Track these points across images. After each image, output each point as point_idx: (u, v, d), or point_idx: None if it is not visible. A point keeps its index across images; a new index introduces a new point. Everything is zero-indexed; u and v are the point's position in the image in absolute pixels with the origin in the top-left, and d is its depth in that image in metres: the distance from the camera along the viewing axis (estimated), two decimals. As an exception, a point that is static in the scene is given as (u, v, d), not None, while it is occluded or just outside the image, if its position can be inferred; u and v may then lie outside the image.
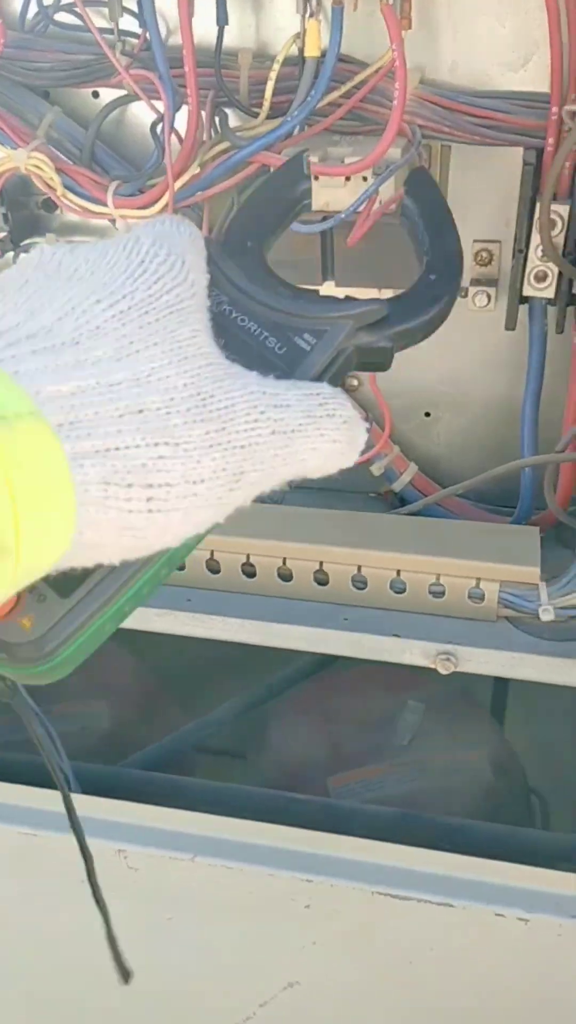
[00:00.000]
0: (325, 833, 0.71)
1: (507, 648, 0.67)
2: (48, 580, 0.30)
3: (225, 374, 0.32)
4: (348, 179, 0.63)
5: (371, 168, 0.56)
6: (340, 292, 0.56)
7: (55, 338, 0.29)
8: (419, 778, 1.07)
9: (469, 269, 0.74)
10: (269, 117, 0.66)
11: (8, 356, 0.28)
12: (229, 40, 0.69)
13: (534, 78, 0.66)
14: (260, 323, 0.38)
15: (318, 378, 0.37)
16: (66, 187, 0.69)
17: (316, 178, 0.60)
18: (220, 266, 0.39)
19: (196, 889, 0.74)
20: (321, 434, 0.33)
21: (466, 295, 0.74)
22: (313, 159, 0.59)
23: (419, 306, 0.40)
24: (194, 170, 0.67)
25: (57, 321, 0.30)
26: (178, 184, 0.65)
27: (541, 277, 0.66)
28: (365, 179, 0.63)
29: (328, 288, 0.71)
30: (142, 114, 0.73)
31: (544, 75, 0.64)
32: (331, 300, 0.39)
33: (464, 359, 0.78)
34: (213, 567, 0.75)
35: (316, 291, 0.43)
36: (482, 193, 0.71)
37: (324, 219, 0.64)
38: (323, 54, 0.62)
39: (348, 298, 0.39)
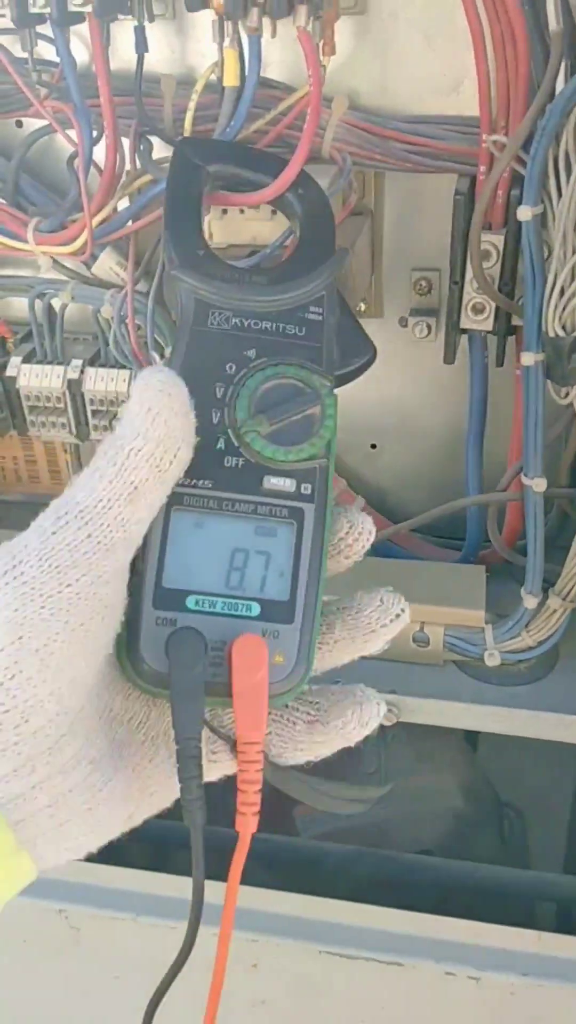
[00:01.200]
0: (271, 890, 0.68)
1: (451, 697, 0.64)
2: (270, 619, 0.37)
3: None
4: (275, 212, 0.61)
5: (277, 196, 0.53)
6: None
7: None
8: (388, 805, 1.05)
9: (408, 299, 0.71)
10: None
11: None
12: (156, 67, 0.67)
13: (467, 102, 0.63)
14: (270, 319, 0.41)
15: (340, 330, 0.42)
16: (-15, 223, 0.66)
17: (224, 212, 0.57)
18: (204, 288, 0.41)
19: (140, 948, 0.71)
20: None
21: (406, 325, 0.71)
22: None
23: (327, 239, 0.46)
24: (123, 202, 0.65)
25: None
26: (98, 219, 0.62)
27: (479, 309, 0.63)
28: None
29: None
30: (70, 143, 0.70)
31: (477, 98, 0.62)
32: (306, 270, 0.42)
33: (408, 389, 0.75)
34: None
35: (282, 264, 0.44)
36: (419, 220, 0.69)
37: (251, 254, 0.62)
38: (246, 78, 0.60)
39: (311, 260, 0.43)
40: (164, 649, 0.36)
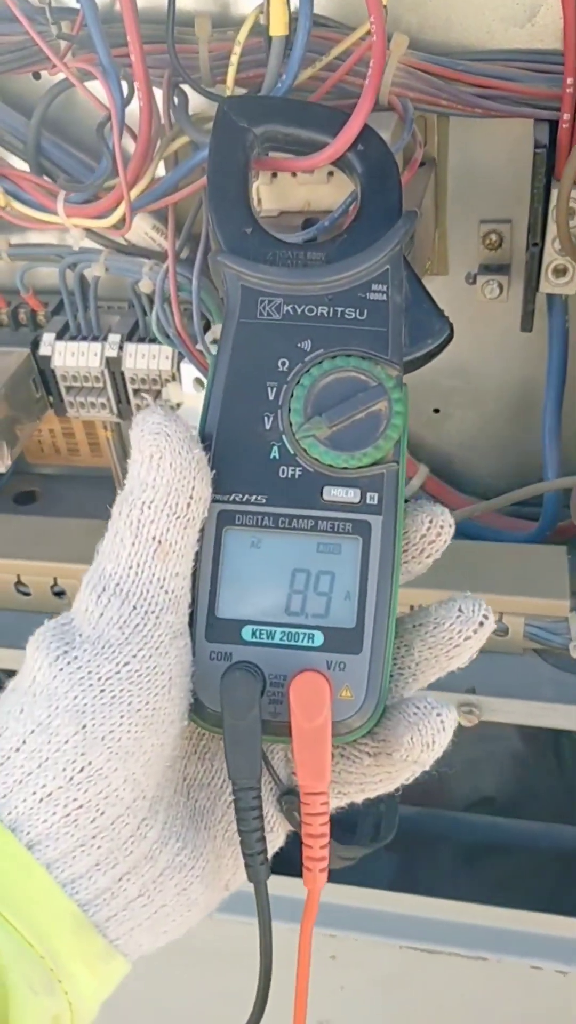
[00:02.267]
0: (347, 886, 0.67)
1: (533, 689, 0.61)
2: (335, 649, 0.33)
3: None
4: (332, 174, 0.54)
5: (335, 158, 0.46)
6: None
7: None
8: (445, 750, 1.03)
9: (475, 253, 0.65)
10: (237, 97, 0.56)
11: None
12: (184, 4, 0.59)
13: (543, 33, 0.56)
14: (326, 303, 0.37)
15: (409, 308, 0.37)
16: (9, 194, 0.60)
17: (274, 175, 0.51)
18: (251, 274, 0.37)
19: (217, 943, 0.70)
20: None
21: (474, 282, 0.65)
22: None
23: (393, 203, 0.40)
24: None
25: None
26: (136, 191, 0.56)
27: (561, 271, 0.57)
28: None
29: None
30: (98, 91, 0.63)
31: (555, 29, 0.55)
32: (366, 241, 0.38)
33: (474, 351, 0.69)
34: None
35: (341, 235, 0.39)
36: (487, 166, 0.62)
37: (306, 222, 0.56)
38: (295, 23, 0.52)
39: (374, 229, 0.38)
40: (219, 687, 0.33)
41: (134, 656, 0.30)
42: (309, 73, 0.55)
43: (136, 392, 0.69)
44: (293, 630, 0.34)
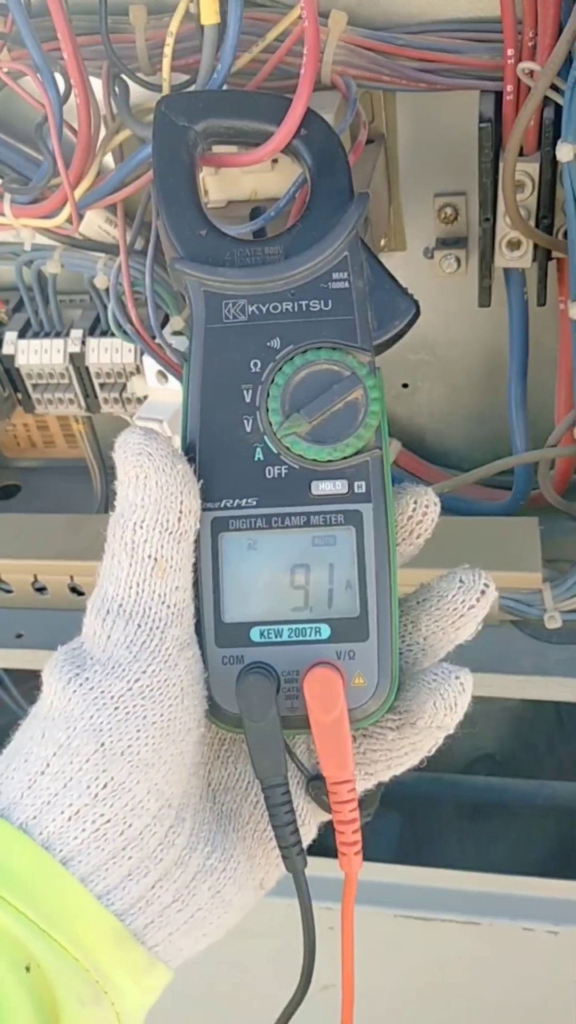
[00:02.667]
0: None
1: (510, 662, 0.62)
2: (342, 639, 0.34)
3: None
4: (276, 160, 0.54)
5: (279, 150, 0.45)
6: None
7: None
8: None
9: (432, 227, 0.64)
10: (179, 85, 0.55)
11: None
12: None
13: (484, 2, 0.54)
14: (290, 298, 0.36)
15: (373, 292, 0.37)
16: (-46, 198, 0.59)
17: (217, 170, 0.50)
18: (212, 279, 0.37)
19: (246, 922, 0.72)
20: None
21: (431, 256, 0.65)
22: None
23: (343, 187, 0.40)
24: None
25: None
26: (80, 190, 0.55)
27: (515, 244, 0.56)
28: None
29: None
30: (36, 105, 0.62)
31: (497, -5, 0.53)
32: (320, 230, 0.37)
33: (438, 325, 0.69)
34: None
35: (295, 226, 0.39)
36: (438, 139, 0.61)
37: (255, 211, 0.55)
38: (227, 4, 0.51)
39: (326, 217, 0.38)
40: (235, 691, 0.34)
41: (144, 672, 0.31)
42: (248, 58, 0.54)
43: (102, 386, 0.69)
44: (300, 626, 0.35)
